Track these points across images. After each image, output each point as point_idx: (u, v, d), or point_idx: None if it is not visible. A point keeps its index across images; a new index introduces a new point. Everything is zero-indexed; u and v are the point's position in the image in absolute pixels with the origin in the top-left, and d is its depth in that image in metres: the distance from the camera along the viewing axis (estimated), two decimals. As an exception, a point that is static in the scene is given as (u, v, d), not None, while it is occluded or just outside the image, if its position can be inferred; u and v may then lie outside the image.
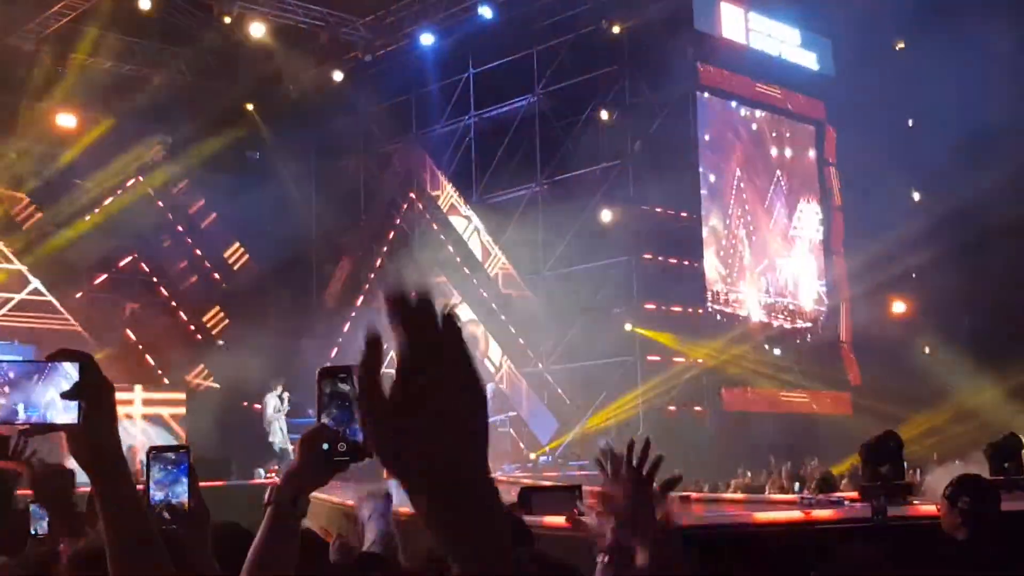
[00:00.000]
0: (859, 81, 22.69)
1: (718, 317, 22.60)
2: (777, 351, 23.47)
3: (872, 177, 23.45)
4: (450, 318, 1.05)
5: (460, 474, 1.02)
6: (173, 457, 2.57)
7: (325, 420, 2.14)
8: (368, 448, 2.21)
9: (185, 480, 2.54)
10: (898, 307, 23.88)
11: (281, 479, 2.22)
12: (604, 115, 21.46)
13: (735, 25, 23.00)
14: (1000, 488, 10.75)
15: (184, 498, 2.53)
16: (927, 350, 23.04)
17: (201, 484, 2.58)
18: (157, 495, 2.54)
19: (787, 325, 24.11)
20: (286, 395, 18.97)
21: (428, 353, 1.02)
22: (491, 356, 22.87)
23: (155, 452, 2.58)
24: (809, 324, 24.56)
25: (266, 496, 2.21)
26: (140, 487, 3.20)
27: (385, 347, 1.06)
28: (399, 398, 1.02)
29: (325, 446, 2.14)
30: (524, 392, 22.35)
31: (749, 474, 16.97)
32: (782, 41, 24.03)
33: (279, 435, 18.64)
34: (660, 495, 2.47)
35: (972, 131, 19.95)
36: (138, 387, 20.15)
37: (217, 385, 21.62)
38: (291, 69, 23.60)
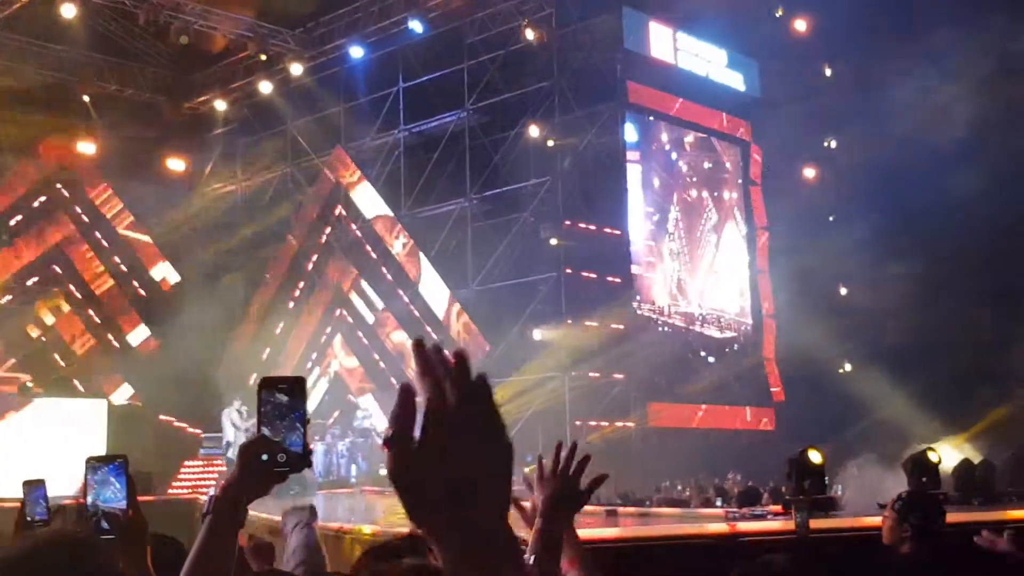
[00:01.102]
0: (785, 102, 23.09)
1: (665, 329, 22.93)
2: (711, 359, 23.78)
3: (795, 199, 23.91)
4: (483, 379, 1.08)
5: (482, 524, 1.05)
6: (112, 465, 2.54)
7: (265, 431, 2.14)
8: (308, 459, 2.22)
9: (120, 487, 2.51)
10: (821, 324, 24.27)
11: (220, 490, 2.20)
12: (534, 131, 21.56)
13: (664, 44, 23.29)
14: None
15: (119, 505, 2.50)
16: (847, 367, 23.49)
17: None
18: (97, 503, 2.51)
19: (716, 335, 24.47)
20: (244, 409, 18.73)
21: (460, 411, 1.05)
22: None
23: (94, 460, 2.56)
24: (734, 335, 24.93)
25: (204, 506, 2.19)
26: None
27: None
28: (428, 450, 1.04)
29: (264, 457, 2.14)
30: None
31: (680, 487, 17.13)
32: (709, 61, 24.37)
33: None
34: (586, 492, 2.59)
35: (892, 155, 20.46)
36: (60, 399, 19.82)
37: (139, 403, 21.25)
38: (219, 80, 23.38)
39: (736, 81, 24.91)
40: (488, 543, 1.05)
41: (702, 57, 24.20)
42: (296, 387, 2.17)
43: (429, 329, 22.57)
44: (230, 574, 2.17)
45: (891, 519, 4.64)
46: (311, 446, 2.22)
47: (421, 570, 2.21)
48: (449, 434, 1.05)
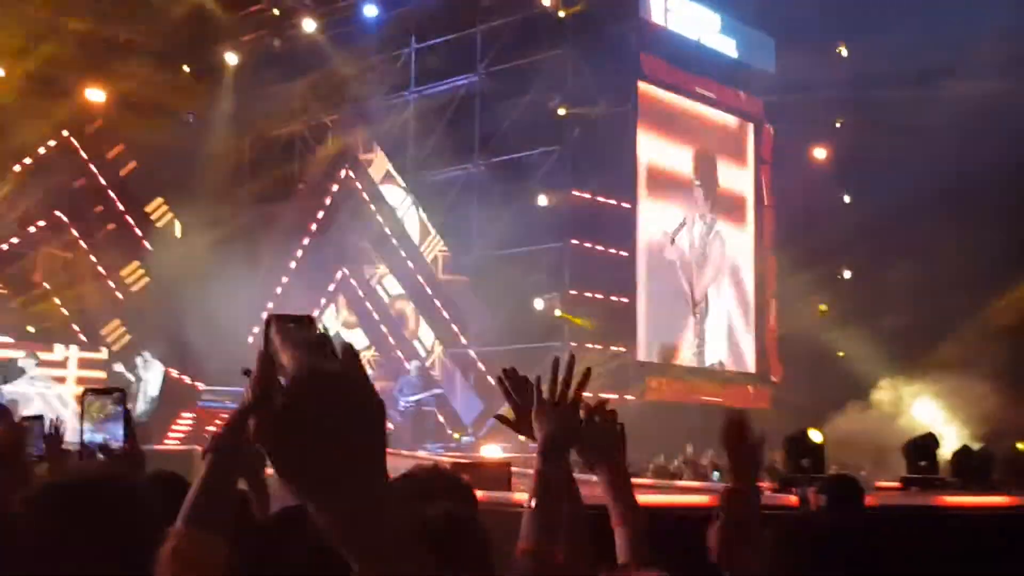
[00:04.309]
0: (797, 80, 22.95)
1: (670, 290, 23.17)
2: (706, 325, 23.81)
3: (804, 178, 23.82)
4: (349, 348, 1.12)
5: (356, 481, 1.04)
6: (110, 400, 2.50)
7: None
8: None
9: (122, 422, 2.48)
10: (823, 306, 24.26)
11: (222, 428, 2.18)
12: (545, 99, 21.41)
13: (656, 6, 22.96)
14: (917, 485, 11.03)
15: (120, 441, 2.47)
16: (841, 353, 23.50)
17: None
18: (95, 437, 2.47)
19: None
20: (147, 355, 18.89)
21: (323, 373, 1.06)
22: (421, 336, 22.80)
23: (92, 394, 2.52)
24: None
25: (206, 445, 2.17)
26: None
27: None
28: (293, 412, 1.03)
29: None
30: (451, 373, 22.29)
31: (679, 459, 17.15)
32: (700, 24, 23.89)
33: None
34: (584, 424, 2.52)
35: (903, 137, 20.36)
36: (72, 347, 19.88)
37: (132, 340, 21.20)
38: (230, 32, 23.22)
39: (728, 47, 24.51)
40: (365, 499, 1.04)
41: (694, 20, 23.81)
42: (306, 326, 2.12)
43: (431, 292, 22.56)
44: (229, 514, 2.15)
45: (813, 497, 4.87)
46: None
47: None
48: (314, 394, 1.04)
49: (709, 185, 24.63)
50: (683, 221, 23.79)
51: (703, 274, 24.23)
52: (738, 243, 25.30)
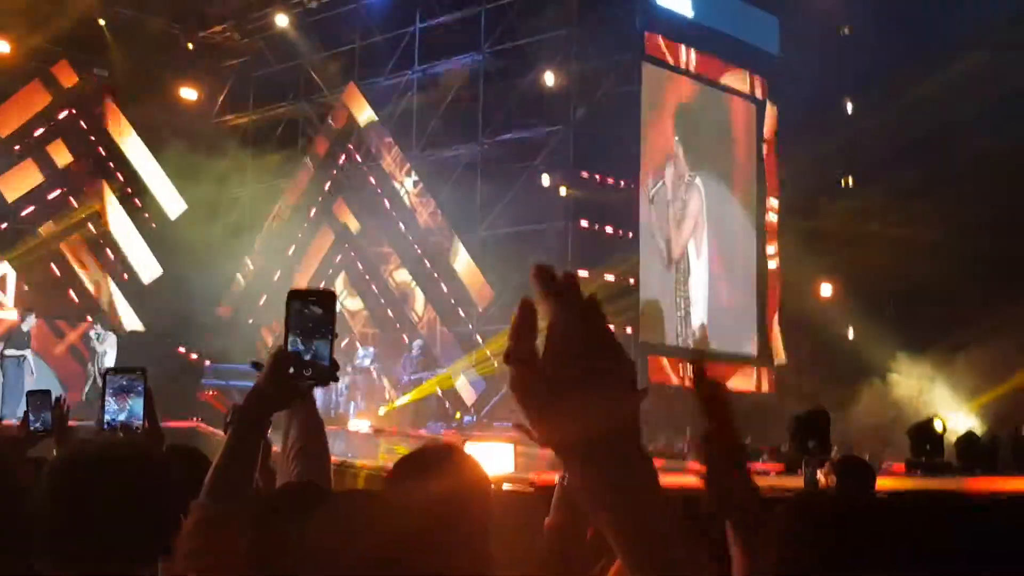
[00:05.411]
0: (800, 60, 22.86)
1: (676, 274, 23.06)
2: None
3: (808, 159, 23.75)
4: (593, 299, 1.07)
5: (614, 447, 1.01)
6: (130, 379, 2.51)
7: (292, 342, 2.13)
8: (334, 373, 2.18)
9: (141, 402, 2.49)
10: (826, 289, 24.22)
11: (244, 399, 2.20)
12: (549, 78, 21.34)
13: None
14: (921, 468, 11.03)
15: (140, 420, 2.48)
16: (851, 333, 23.49)
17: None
18: (116, 415, 2.48)
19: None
20: (94, 334, 18.81)
21: (581, 330, 1.03)
22: (423, 313, 22.83)
23: (111, 373, 2.53)
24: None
25: (228, 416, 2.19)
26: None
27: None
28: (551, 366, 1.01)
29: (291, 369, 2.12)
30: (454, 352, 22.29)
31: (680, 444, 17.18)
32: None
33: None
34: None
35: (910, 119, 20.32)
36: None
37: (145, 332, 21.21)
38: (234, 11, 23.16)
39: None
40: (618, 458, 1.01)
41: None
42: (327, 300, 2.16)
43: (435, 272, 22.54)
44: (252, 483, 2.17)
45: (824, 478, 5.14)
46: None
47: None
48: (573, 349, 1.01)
49: (687, 139, 24.02)
50: (661, 182, 23.35)
51: (681, 230, 23.79)
52: (742, 222, 25.23)
